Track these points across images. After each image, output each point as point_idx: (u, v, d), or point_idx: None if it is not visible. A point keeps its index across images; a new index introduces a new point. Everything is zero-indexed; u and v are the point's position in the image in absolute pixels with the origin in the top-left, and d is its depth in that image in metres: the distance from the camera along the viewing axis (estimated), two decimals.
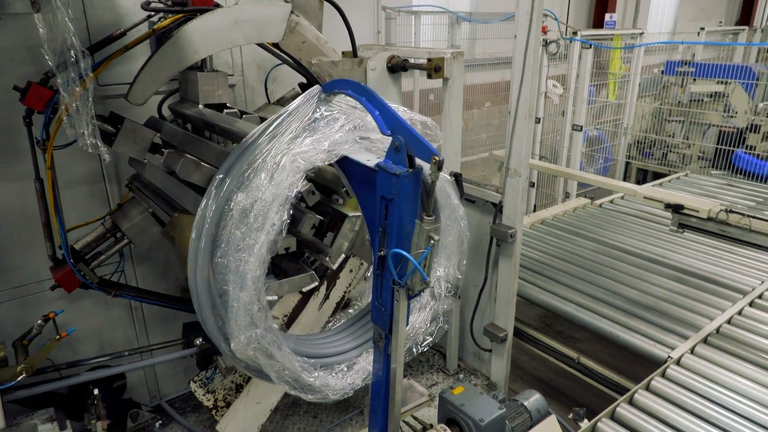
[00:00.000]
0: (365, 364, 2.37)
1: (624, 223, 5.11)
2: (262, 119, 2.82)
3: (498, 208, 3.61)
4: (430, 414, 2.58)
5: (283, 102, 3.45)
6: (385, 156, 1.80)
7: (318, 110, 2.01)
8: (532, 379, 4.37)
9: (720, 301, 3.71)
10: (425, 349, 2.34)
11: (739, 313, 3.56)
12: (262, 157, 1.94)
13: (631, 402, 2.80)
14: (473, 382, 4.16)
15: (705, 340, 3.29)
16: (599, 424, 2.62)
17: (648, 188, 4.42)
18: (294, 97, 3.44)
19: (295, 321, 3.22)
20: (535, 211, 6.56)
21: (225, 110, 2.83)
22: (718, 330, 3.38)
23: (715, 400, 2.76)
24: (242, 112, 2.85)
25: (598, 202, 5.70)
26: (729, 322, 3.47)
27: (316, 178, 2.50)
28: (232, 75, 3.71)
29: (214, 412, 3.26)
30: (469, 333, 4.10)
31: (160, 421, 3.81)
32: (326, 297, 3.26)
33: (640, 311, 3.67)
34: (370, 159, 1.88)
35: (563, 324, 4.46)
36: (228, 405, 3.25)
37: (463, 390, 2.35)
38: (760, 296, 3.73)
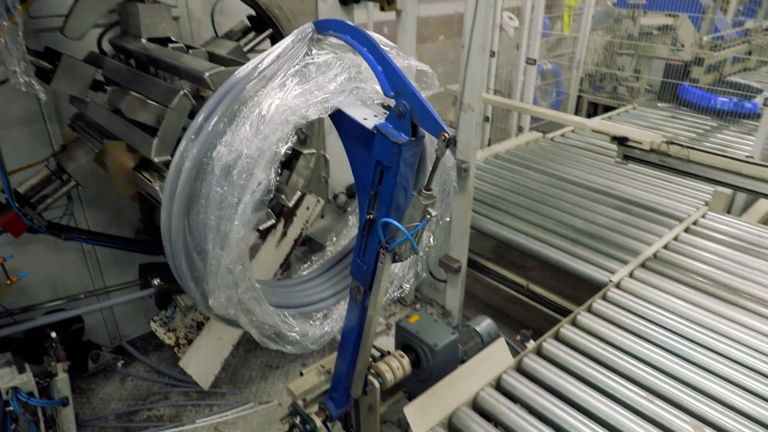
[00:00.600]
0: (343, 311, 2.31)
1: (573, 156, 5.28)
2: (210, 54, 2.72)
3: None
4: (388, 342, 2.69)
5: (231, 35, 3.31)
6: (385, 118, 1.63)
7: (309, 54, 1.79)
8: (484, 306, 4.59)
9: (658, 228, 3.95)
10: (401, 295, 2.30)
11: (675, 238, 3.81)
12: (246, 106, 1.71)
13: (573, 323, 3.00)
14: (429, 311, 4.34)
15: (643, 265, 3.52)
16: (544, 343, 2.81)
17: (596, 121, 4.53)
18: (243, 30, 3.33)
19: (254, 258, 3.25)
20: (489, 145, 6.65)
21: (170, 44, 2.71)
22: (655, 255, 3.61)
23: (651, 319, 2.99)
24: (188, 47, 2.74)
25: (549, 135, 5.82)
26: (665, 247, 3.71)
27: None
28: (175, 6, 3.52)
29: (176, 349, 3.31)
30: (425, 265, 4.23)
31: (123, 361, 3.85)
32: (284, 234, 3.29)
33: (584, 239, 3.87)
34: (367, 118, 1.68)
35: (515, 254, 4.64)
36: (190, 342, 3.31)
37: (419, 318, 2.47)
38: (695, 223, 3.98)
